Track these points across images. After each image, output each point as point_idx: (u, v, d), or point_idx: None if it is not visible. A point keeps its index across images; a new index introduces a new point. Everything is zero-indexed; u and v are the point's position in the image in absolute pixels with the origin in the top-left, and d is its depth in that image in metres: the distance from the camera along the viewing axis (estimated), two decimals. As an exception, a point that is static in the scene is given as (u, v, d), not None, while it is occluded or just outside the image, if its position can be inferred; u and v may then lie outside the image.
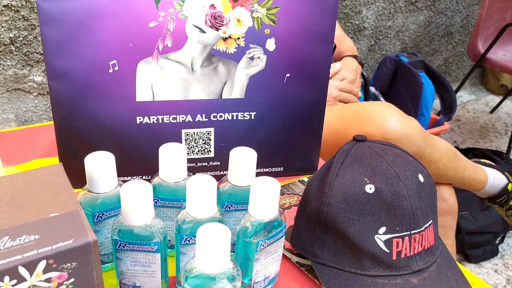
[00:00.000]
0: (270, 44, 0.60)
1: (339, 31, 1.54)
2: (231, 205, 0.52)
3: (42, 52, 1.39)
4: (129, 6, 0.54)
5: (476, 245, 1.53)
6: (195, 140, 0.64)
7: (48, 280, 0.36)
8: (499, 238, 1.57)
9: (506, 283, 1.46)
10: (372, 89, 1.94)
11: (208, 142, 0.64)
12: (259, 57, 0.60)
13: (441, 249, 0.54)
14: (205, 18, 0.57)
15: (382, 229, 0.49)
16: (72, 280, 0.37)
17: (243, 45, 0.59)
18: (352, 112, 1.00)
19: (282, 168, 0.69)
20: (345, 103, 1.24)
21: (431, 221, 0.52)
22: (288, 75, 0.62)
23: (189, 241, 0.45)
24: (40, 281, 0.36)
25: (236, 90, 0.62)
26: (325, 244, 0.51)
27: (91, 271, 0.38)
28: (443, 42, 2.53)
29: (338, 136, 0.97)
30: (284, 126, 0.65)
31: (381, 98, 1.91)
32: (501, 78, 2.67)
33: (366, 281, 0.49)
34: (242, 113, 0.63)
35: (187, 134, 0.63)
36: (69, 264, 0.36)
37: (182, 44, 0.58)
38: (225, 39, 0.59)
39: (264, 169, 0.68)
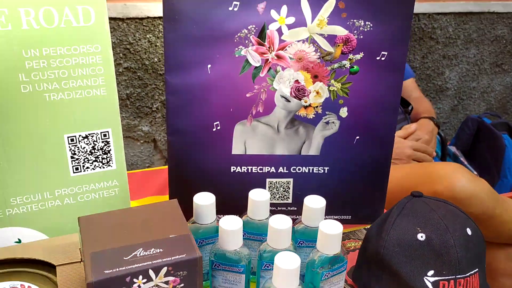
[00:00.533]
0: (343, 112, 0.73)
1: (417, 93, 1.63)
2: (303, 242, 0.63)
3: (151, 106, 1.63)
4: (232, 81, 0.70)
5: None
6: (277, 188, 0.76)
7: (167, 282, 0.50)
8: None
9: None
10: (453, 148, 1.96)
11: (287, 190, 0.77)
12: (333, 122, 0.73)
13: (489, 297, 0.61)
14: (290, 90, 0.71)
15: (431, 272, 0.57)
16: (182, 285, 0.51)
17: (320, 112, 0.73)
18: (423, 171, 1.08)
19: (350, 216, 0.79)
20: (419, 162, 1.31)
21: (477, 269, 0.59)
22: (357, 137, 0.74)
23: (268, 266, 0.57)
24: (161, 282, 0.50)
25: (313, 148, 0.74)
26: (382, 281, 0.60)
27: (196, 280, 0.51)
28: (532, 103, 2.49)
29: (409, 192, 1.05)
30: (353, 180, 0.76)
31: (462, 158, 1.93)
32: None
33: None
34: (317, 168, 0.75)
35: (271, 183, 0.76)
36: (181, 272, 0.50)
37: (271, 110, 0.72)
38: (306, 107, 0.72)
39: (335, 216, 0.79)
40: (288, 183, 0.76)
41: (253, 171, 0.75)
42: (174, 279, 0.50)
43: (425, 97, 1.65)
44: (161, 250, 0.50)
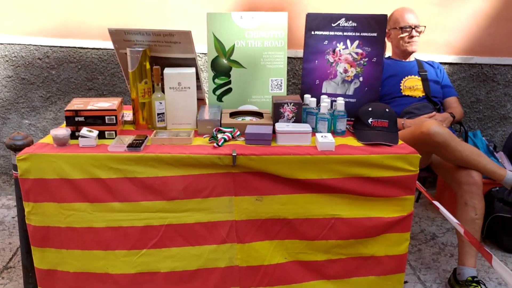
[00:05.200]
0: (361, 79, 2.09)
1: (456, 105, 2.76)
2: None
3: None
4: (323, 66, 2.13)
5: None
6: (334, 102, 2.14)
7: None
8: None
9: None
10: (500, 154, 2.91)
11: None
12: (357, 82, 2.09)
13: (393, 132, 1.88)
14: (343, 70, 2.11)
15: (370, 119, 1.89)
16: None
17: (353, 78, 2.10)
18: (420, 124, 2.31)
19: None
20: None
21: (387, 120, 1.88)
22: (366, 88, 2.09)
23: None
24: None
25: (350, 91, 2.11)
26: (358, 124, 1.93)
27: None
28: None
29: (413, 133, 2.28)
30: (362, 103, 2.09)
31: (506, 163, 2.83)
32: None
33: (366, 131, 1.88)
34: (351, 99, 2.12)
35: (333, 101, 2.14)
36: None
37: (335, 77, 2.12)
38: (347, 76, 2.11)
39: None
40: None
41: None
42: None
43: (460, 108, 2.75)
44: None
